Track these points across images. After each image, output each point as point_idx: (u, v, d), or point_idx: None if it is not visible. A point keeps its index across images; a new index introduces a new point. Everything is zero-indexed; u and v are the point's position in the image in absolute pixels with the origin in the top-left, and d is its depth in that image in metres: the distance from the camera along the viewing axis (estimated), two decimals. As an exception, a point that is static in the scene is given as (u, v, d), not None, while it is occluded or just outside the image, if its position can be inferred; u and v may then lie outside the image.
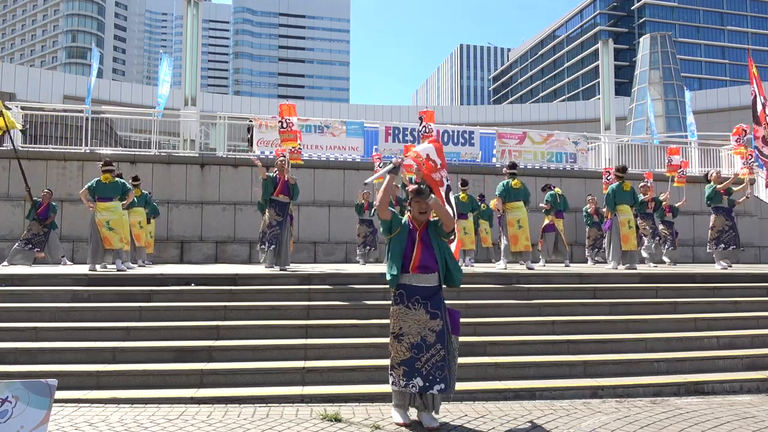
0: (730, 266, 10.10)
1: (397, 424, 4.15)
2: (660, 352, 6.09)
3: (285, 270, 8.58)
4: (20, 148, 13.30)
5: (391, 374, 4.11)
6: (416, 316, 4.05)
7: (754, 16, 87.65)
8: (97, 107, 18.40)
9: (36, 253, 10.82)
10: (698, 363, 5.91)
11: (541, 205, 12.47)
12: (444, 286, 4.26)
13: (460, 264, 4.66)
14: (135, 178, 11.02)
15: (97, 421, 4.25)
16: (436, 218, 4.25)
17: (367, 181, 4.74)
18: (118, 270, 8.31)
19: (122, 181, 9.25)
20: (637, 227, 10.69)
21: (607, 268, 9.92)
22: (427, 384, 3.98)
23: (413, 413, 4.25)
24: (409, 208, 4.27)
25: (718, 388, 5.48)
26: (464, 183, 11.60)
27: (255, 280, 7.50)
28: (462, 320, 6.24)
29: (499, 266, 9.80)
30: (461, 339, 5.95)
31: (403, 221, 4.23)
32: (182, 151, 15.16)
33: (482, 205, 12.43)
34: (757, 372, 5.79)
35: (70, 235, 12.46)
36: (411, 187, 4.22)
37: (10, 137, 11.56)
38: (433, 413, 4.16)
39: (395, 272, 4.08)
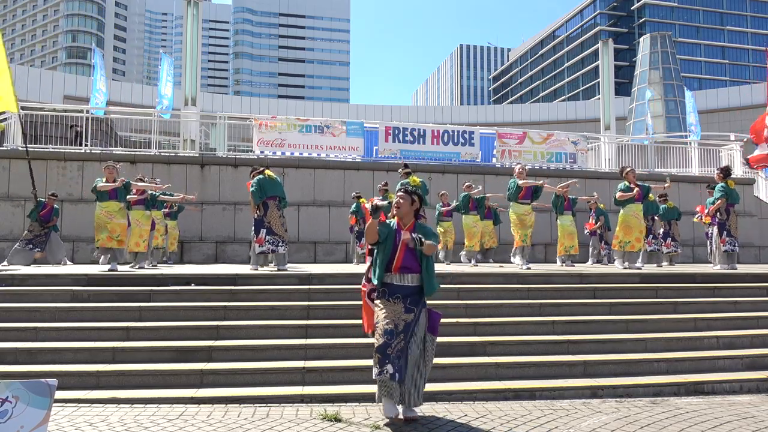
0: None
1: (388, 417, 4.25)
2: (660, 352, 6.09)
3: (284, 270, 8.58)
4: (20, 148, 13.31)
5: (373, 361, 4.28)
6: (394, 308, 4.31)
7: (754, 16, 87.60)
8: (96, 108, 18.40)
9: (36, 253, 10.83)
10: (698, 363, 5.91)
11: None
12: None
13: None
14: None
15: (97, 421, 4.25)
16: (424, 223, 4.56)
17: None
18: (110, 270, 8.33)
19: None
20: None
21: (715, 268, 10.03)
22: (395, 372, 4.15)
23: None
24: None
25: (718, 388, 5.48)
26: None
27: (255, 280, 7.50)
28: (462, 320, 6.32)
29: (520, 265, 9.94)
30: (461, 339, 6.02)
31: (391, 224, 4.45)
32: (182, 151, 15.16)
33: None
34: (757, 372, 5.79)
35: (70, 235, 12.46)
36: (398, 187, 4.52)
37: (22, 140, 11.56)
38: (413, 407, 4.29)
39: (380, 276, 4.36)
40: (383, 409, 4.33)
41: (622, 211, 10.20)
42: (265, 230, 8.95)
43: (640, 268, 9.46)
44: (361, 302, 4.64)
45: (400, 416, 4.27)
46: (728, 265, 10.03)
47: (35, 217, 10.87)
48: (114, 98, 43.05)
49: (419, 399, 4.30)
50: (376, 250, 4.45)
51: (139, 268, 9.60)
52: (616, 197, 10.14)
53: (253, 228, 9.40)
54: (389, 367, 4.14)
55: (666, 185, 12.38)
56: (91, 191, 9.16)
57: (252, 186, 9.15)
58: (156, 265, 10.82)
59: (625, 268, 9.53)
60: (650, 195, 10.90)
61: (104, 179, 9.11)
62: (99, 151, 13.97)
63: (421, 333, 4.28)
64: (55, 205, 11.21)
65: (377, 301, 4.40)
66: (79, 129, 15.15)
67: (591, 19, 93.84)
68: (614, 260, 10.53)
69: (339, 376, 5.32)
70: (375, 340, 4.27)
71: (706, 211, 11.09)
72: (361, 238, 12.04)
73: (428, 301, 4.46)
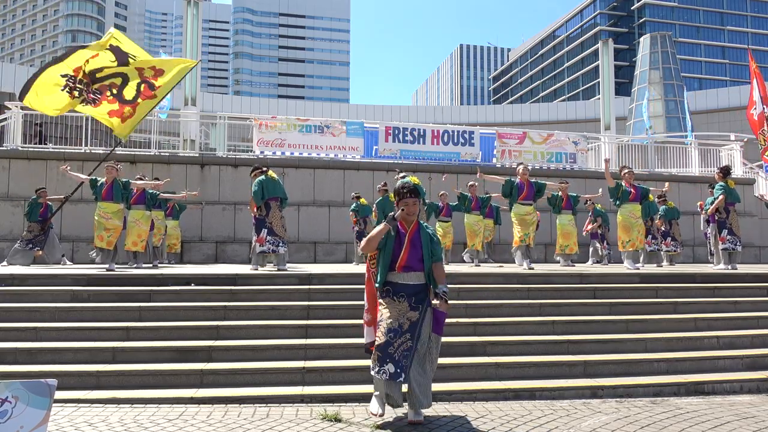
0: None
1: (372, 413, 4.20)
2: (660, 352, 6.09)
3: (284, 270, 8.58)
4: (20, 148, 13.31)
5: (372, 359, 4.25)
6: (399, 306, 4.24)
7: (754, 16, 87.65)
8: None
9: (35, 252, 10.83)
10: (698, 363, 5.90)
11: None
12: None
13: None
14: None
15: (97, 421, 4.25)
16: (428, 226, 4.49)
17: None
18: (107, 270, 8.33)
19: (123, 180, 9.38)
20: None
21: (716, 268, 10.01)
22: (398, 371, 4.06)
23: (399, 410, 4.32)
24: (398, 208, 4.37)
25: (718, 388, 5.48)
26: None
27: (255, 280, 7.50)
28: (462, 320, 6.31)
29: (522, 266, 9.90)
30: (461, 339, 6.01)
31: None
32: (182, 151, 15.16)
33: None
34: (757, 372, 5.78)
35: (69, 235, 12.46)
36: (400, 185, 4.42)
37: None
38: (419, 409, 4.23)
39: (382, 278, 4.30)
40: (370, 405, 4.28)
41: (619, 212, 10.22)
42: (266, 230, 8.96)
43: (639, 269, 9.46)
44: (361, 302, 4.62)
45: (410, 419, 4.20)
46: (728, 264, 10.02)
47: (35, 217, 10.85)
48: (114, 98, 42.95)
49: (428, 400, 4.24)
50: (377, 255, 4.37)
51: (137, 267, 9.60)
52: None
53: (253, 227, 9.41)
54: (390, 367, 4.08)
55: (664, 188, 12.43)
56: (90, 185, 9.20)
57: (254, 186, 9.16)
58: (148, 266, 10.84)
59: (637, 268, 9.49)
60: (650, 195, 10.91)
61: (104, 179, 9.13)
62: (101, 152, 13.96)
63: (426, 333, 4.22)
64: (49, 202, 11.21)
65: (381, 300, 4.33)
66: (41, 129, 15.22)
67: (591, 19, 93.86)
68: (623, 261, 10.48)
69: (339, 376, 5.32)
70: (377, 338, 4.22)
71: (705, 208, 11.09)
72: (361, 238, 12.05)
73: None
